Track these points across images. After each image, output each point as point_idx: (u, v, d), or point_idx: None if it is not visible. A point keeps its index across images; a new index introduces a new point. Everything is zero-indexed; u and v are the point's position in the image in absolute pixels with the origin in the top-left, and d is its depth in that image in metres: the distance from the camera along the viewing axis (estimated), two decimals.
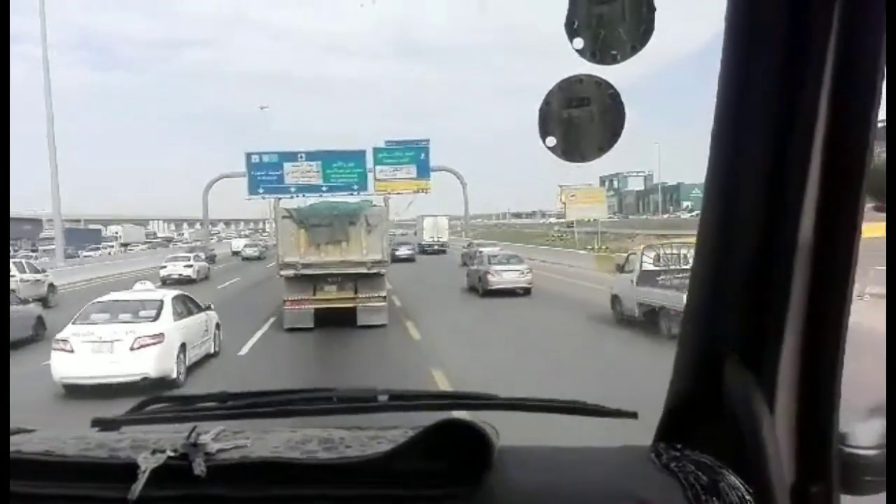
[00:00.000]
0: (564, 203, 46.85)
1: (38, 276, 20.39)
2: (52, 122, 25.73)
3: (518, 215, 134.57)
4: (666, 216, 79.96)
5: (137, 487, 0.90)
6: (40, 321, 14.30)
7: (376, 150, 42.66)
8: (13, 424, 1.19)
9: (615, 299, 14.92)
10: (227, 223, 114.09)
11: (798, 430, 0.95)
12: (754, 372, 0.95)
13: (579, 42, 1.12)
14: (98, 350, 9.26)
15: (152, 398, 1.34)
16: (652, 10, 1.13)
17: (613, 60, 1.13)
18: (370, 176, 42.33)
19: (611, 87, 1.19)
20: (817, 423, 0.94)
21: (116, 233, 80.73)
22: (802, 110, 0.91)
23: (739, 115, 0.99)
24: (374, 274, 14.01)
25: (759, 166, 0.97)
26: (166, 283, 23.98)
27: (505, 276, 20.18)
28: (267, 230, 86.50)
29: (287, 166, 41.53)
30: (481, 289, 20.38)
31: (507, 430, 1.17)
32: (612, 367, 9.80)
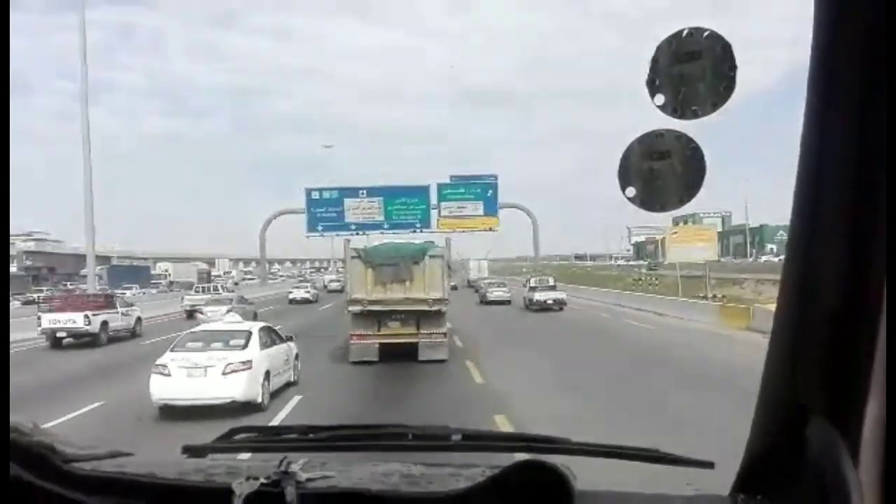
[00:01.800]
0: (664, 242, 43.57)
1: (129, 310, 24.39)
2: (89, 155, 27.15)
3: (581, 257, 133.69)
4: (751, 259, 76.66)
5: None
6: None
7: (440, 186, 42.84)
8: (111, 447, 1.39)
9: None
10: (284, 262, 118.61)
11: (883, 484, 0.97)
12: (838, 426, 0.98)
13: (660, 98, 1.25)
14: (192, 374, 10.56)
15: (239, 428, 1.50)
16: (733, 68, 1.25)
17: (694, 116, 1.26)
18: (434, 213, 42.57)
19: (692, 141, 1.31)
20: None
21: (166, 270, 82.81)
22: (886, 155, 0.93)
23: (822, 160, 1.01)
24: (436, 311, 15.38)
25: (844, 215, 1.00)
26: None
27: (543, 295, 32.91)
28: (329, 269, 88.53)
29: (347, 202, 42.32)
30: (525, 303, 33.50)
31: (580, 475, 1.27)
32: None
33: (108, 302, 23.44)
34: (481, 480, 1.12)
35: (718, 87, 1.22)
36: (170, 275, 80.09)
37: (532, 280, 36.64)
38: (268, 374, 11.30)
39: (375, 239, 41.82)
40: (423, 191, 42.79)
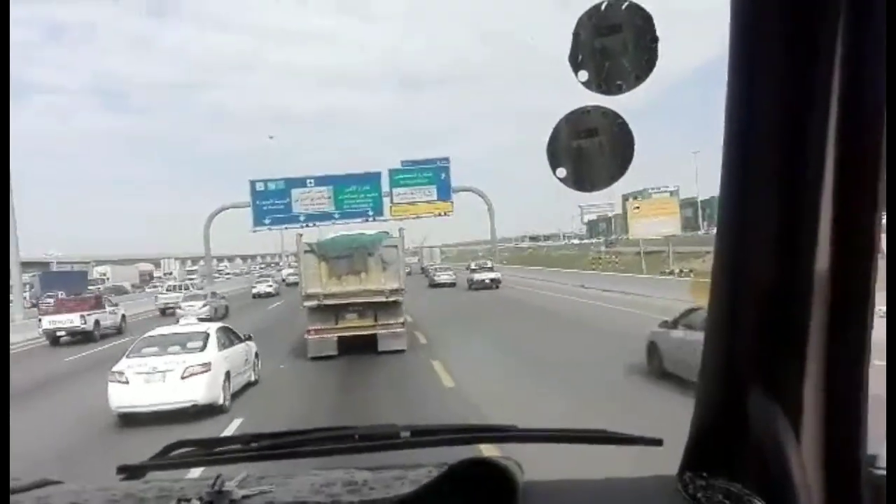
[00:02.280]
0: (627, 216, 42.31)
1: (115, 310, 27.43)
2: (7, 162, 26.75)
3: (535, 238, 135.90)
4: (702, 233, 79.20)
5: None
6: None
7: (392, 172, 42.68)
8: (39, 476, 1.34)
9: None
10: (234, 258, 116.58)
11: (825, 455, 1.00)
12: (778, 398, 1.01)
13: (584, 74, 1.25)
14: (150, 380, 10.53)
15: (176, 443, 1.44)
16: (654, 40, 1.25)
17: (619, 91, 1.26)
18: (386, 200, 42.36)
19: (618, 116, 1.31)
20: (845, 446, 1.00)
21: (104, 274, 80.00)
22: (812, 121, 0.95)
23: (749, 128, 1.02)
24: (393, 302, 15.65)
25: (771, 185, 1.02)
26: None
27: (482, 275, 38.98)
28: (280, 264, 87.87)
29: (295, 193, 41.56)
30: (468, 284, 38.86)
31: (530, 463, 1.27)
32: None
33: (98, 303, 26.59)
34: (426, 482, 1.12)
35: (641, 60, 1.22)
36: (108, 278, 77.48)
37: (472, 264, 43.13)
38: (228, 374, 11.36)
39: (328, 230, 41.41)
40: (374, 178, 42.32)
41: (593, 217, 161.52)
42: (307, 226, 40.86)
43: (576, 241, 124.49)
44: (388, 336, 15.60)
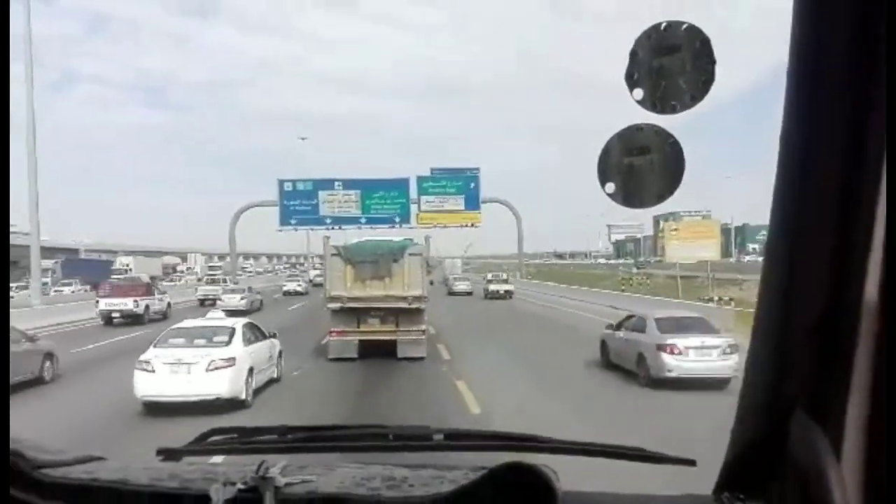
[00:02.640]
0: (663, 238, 39.80)
1: (163, 297, 30.76)
2: (33, 150, 27.50)
3: (560, 255, 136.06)
4: (733, 259, 78.38)
5: None
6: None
7: (420, 179, 42.54)
8: (84, 452, 1.40)
9: None
10: (259, 257, 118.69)
11: (867, 478, 0.99)
12: (820, 423, 1.01)
13: (639, 92, 1.29)
14: (176, 371, 10.91)
15: (215, 430, 1.52)
16: (712, 62, 1.30)
17: (673, 110, 1.30)
18: (413, 207, 42.29)
19: (670, 136, 1.35)
20: (887, 470, 0.97)
21: (127, 265, 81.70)
22: (870, 148, 0.94)
23: (805, 153, 1.02)
24: (415, 309, 16.10)
25: (822, 212, 1.02)
26: None
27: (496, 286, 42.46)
28: (305, 265, 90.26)
29: (322, 195, 41.83)
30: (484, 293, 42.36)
31: (563, 473, 1.30)
32: None
33: (149, 289, 29.78)
34: (464, 483, 1.14)
35: (698, 82, 1.26)
36: (130, 269, 78.80)
37: (489, 275, 46.67)
38: (251, 370, 11.68)
39: (353, 234, 41.57)
40: (402, 184, 42.40)
41: (621, 237, 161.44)
42: (333, 228, 41.15)
43: (602, 261, 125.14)
44: (408, 343, 15.96)
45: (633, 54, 1.33)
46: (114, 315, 27.02)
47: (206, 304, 33.65)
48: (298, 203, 42.23)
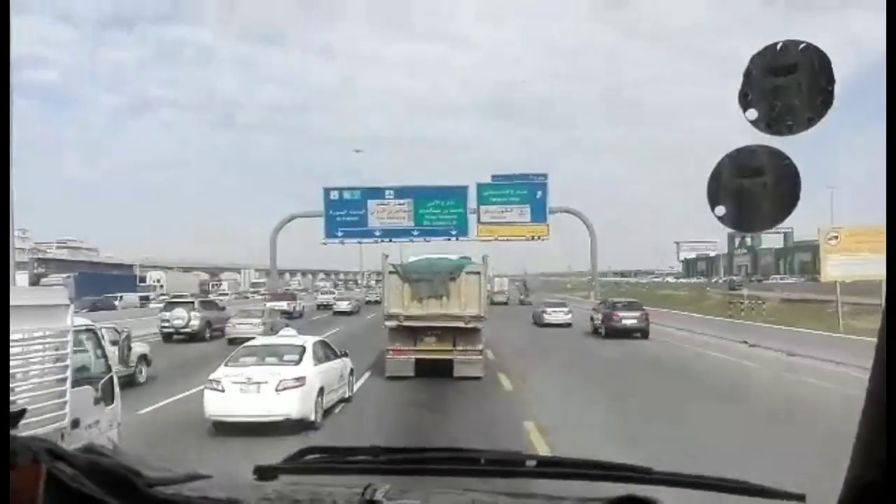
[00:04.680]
0: (825, 250, 33.24)
1: (300, 302, 48.28)
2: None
3: (622, 274, 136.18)
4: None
5: None
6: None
7: (480, 187, 42.29)
8: (189, 469, 1.60)
9: None
10: (309, 273, 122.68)
11: None
12: None
13: (752, 113, 1.41)
14: (246, 390, 11.72)
15: (308, 448, 1.69)
16: (831, 82, 1.40)
17: (788, 131, 1.41)
18: (472, 218, 41.95)
19: (785, 157, 1.45)
20: None
21: (158, 280, 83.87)
22: None
23: None
24: (472, 329, 17.33)
25: None
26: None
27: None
28: (360, 282, 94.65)
29: (372, 205, 42.20)
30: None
31: None
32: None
33: (294, 296, 48.80)
34: None
35: (815, 102, 1.36)
36: (162, 285, 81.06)
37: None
38: (322, 390, 12.37)
39: (407, 249, 42.07)
40: (459, 192, 42.22)
41: (691, 255, 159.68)
42: (382, 241, 41.42)
43: (671, 280, 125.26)
44: (465, 363, 17.17)
45: (747, 74, 1.45)
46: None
47: (322, 307, 53.42)
48: (345, 213, 42.54)
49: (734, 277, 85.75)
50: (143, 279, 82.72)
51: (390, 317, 17.56)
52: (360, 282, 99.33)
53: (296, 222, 48.76)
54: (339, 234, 42.98)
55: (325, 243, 43.64)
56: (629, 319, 29.32)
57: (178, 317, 29.31)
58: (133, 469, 1.35)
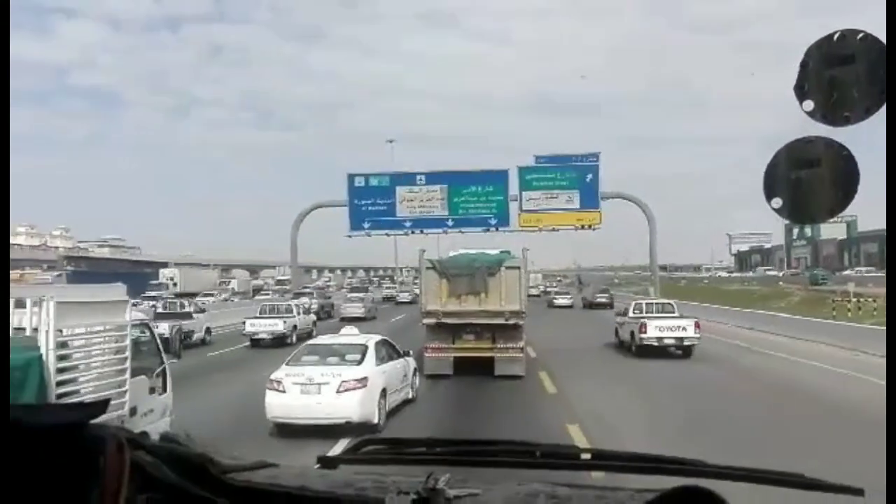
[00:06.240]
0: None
1: (373, 296, 56.35)
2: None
3: (665, 268, 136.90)
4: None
5: None
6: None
7: (522, 171, 40.89)
8: (258, 458, 1.81)
9: None
10: (333, 270, 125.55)
11: None
12: None
13: (809, 104, 1.54)
14: (307, 391, 12.45)
15: (367, 439, 1.91)
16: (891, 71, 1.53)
17: (846, 122, 1.54)
18: (513, 206, 40.69)
19: (844, 148, 1.59)
20: None
21: (171, 278, 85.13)
22: None
23: None
24: (513, 325, 18.00)
25: None
26: None
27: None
28: (395, 278, 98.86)
29: (401, 192, 41.14)
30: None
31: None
32: None
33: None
34: None
35: (873, 92, 1.48)
36: (175, 283, 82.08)
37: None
38: (384, 391, 12.90)
39: (437, 239, 41.94)
40: (499, 177, 40.89)
41: (744, 248, 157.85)
42: (412, 233, 40.98)
43: (724, 274, 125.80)
44: (506, 360, 17.93)
45: (804, 65, 1.59)
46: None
47: (387, 299, 66.82)
48: (371, 202, 41.43)
49: (817, 271, 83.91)
50: (149, 276, 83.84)
51: (428, 314, 18.33)
52: (395, 278, 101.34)
53: (322, 217, 48.28)
54: (366, 224, 41.76)
55: (349, 236, 42.55)
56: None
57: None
58: (207, 457, 1.54)
